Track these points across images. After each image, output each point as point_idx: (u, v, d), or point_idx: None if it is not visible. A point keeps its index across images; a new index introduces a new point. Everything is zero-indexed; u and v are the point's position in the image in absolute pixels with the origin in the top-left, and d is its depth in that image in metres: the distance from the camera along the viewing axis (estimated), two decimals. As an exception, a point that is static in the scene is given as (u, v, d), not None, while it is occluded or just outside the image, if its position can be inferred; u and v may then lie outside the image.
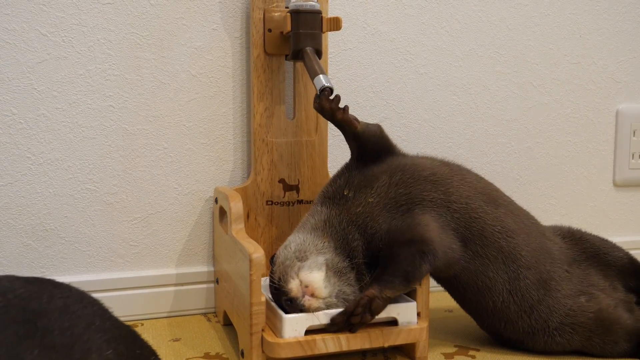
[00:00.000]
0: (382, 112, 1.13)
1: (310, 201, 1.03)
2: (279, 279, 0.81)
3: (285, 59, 1.01)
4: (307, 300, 0.78)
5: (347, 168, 0.91)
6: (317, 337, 0.79)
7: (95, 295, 0.79)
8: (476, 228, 0.85)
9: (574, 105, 1.26)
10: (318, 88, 0.88)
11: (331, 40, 1.08)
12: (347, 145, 0.92)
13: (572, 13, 1.24)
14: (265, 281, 0.84)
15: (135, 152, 1.01)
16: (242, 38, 1.04)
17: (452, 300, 0.93)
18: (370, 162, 0.89)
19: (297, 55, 0.94)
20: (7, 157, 0.95)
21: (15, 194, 0.96)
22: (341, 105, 0.88)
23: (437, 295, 1.09)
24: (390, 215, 0.83)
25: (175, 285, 1.05)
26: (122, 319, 1.00)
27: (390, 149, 0.91)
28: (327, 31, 0.96)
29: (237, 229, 0.88)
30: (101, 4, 0.97)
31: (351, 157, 0.92)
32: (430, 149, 1.17)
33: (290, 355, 0.78)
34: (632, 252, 1.31)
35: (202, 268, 1.06)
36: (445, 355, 0.90)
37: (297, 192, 1.03)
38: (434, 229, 0.82)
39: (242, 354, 0.84)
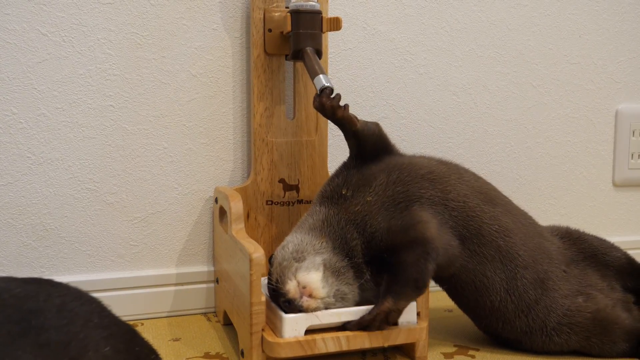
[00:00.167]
0: (381, 112, 1.13)
1: (310, 201, 1.03)
2: (277, 280, 0.81)
3: (286, 59, 1.01)
4: (305, 301, 0.78)
5: (345, 167, 0.91)
6: (317, 336, 0.79)
7: (95, 295, 0.79)
8: (473, 227, 0.85)
9: (573, 105, 1.27)
10: (318, 88, 0.88)
11: (331, 40, 1.08)
12: (347, 145, 0.92)
13: (572, 13, 1.24)
14: (265, 281, 0.84)
15: (135, 151, 1.01)
16: (242, 38, 1.04)
17: (452, 300, 0.93)
18: (368, 160, 0.89)
19: (297, 55, 0.94)
20: (7, 157, 0.95)
21: (16, 194, 0.96)
22: (341, 103, 0.88)
23: (437, 295, 1.09)
24: (388, 214, 0.84)
25: (176, 285, 1.05)
26: (122, 318, 1.01)
27: (388, 148, 0.91)
28: (327, 31, 0.97)
29: (237, 229, 0.88)
30: (101, 4, 0.97)
31: (349, 156, 0.92)
32: (430, 148, 1.17)
33: (290, 355, 0.79)
34: (632, 252, 1.31)
35: (202, 268, 1.06)
36: (445, 355, 0.90)
37: (297, 192, 1.04)
38: (433, 226, 0.82)
39: (242, 353, 0.84)
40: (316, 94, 0.88)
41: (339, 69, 1.10)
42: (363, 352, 0.89)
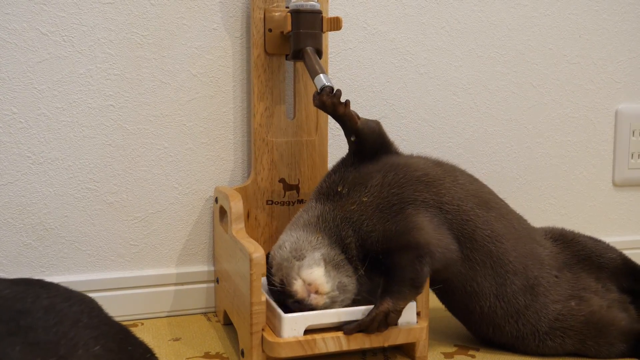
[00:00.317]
0: (381, 112, 1.13)
1: (310, 201, 1.03)
2: (281, 281, 0.81)
3: (286, 59, 1.01)
4: (314, 299, 0.79)
5: (343, 164, 0.91)
6: (317, 336, 0.79)
7: (95, 294, 0.79)
8: (467, 231, 0.85)
9: (573, 105, 1.27)
10: (318, 87, 0.88)
11: (331, 40, 1.08)
12: (347, 145, 0.92)
13: (572, 13, 1.24)
14: (265, 280, 0.84)
15: (135, 151, 1.01)
16: (242, 38, 1.04)
17: (442, 303, 0.93)
18: (366, 158, 0.89)
19: (297, 55, 0.94)
20: (7, 157, 0.95)
21: (15, 193, 0.96)
22: (342, 100, 0.88)
23: (436, 295, 1.09)
24: (383, 216, 0.84)
25: (176, 284, 1.05)
26: (122, 318, 1.01)
27: (387, 147, 0.91)
28: (327, 31, 0.97)
29: (237, 229, 0.88)
30: (102, 4, 0.97)
31: (348, 153, 0.92)
32: (430, 148, 1.17)
33: (290, 354, 0.79)
34: (632, 252, 1.31)
35: (202, 267, 1.06)
36: (445, 354, 0.90)
37: (298, 191, 1.04)
38: (428, 231, 0.82)
39: (242, 353, 0.84)
40: (316, 91, 0.88)
41: (339, 69, 1.10)
42: (363, 352, 0.90)
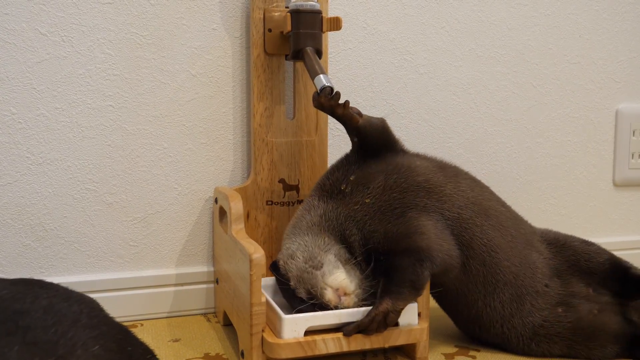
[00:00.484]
0: (382, 112, 1.13)
1: (310, 201, 1.03)
2: (309, 292, 0.81)
3: (286, 59, 1.01)
4: (345, 301, 0.80)
5: (346, 160, 0.90)
6: (318, 337, 0.79)
7: (94, 295, 0.79)
8: (465, 238, 0.86)
9: (573, 105, 1.26)
10: (318, 88, 0.87)
11: (331, 40, 1.07)
12: (347, 147, 0.92)
13: (572, 13, 1.24)
14: (265, 281, 0.84)
15: (135, 152, 1.01)
16: (242, 38, 1.04)
17: (432, 296, 0.93)
18: (370, 156, 0.89)
19: (297, 55, 0.94)
20: (7, 157, 0.95)
21: (15, 194, 0.96)
22: (342, 100, 0.87)
23: (437, 296, 1.09)
24: (385, 218, 0.84)
25: (175, 285, 1.04)
26: (121, 319, 1.01)
27: (391, 145, 0.91)
28: (327, 31, 0.96)
29: (237, 229, 0.88)
30: (101, 4, 0.97)
31: (352, 149, 0.91)
32: (430, 148, 1.16)
33: (290, 355, 0.78)
34: (632, 252, 1.31)
35: (202, 268, 1.06)
36: (446, 355, 0.90)
37: (297, 192, 1.03)
38: (430, 235, 0.83)
39: (242, 354, 0.84)
40: (315, 92, 0.88)
41: (339, 69, 1.10)
42: (363, 353, 0.89)
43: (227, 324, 0.99)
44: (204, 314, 1.06)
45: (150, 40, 1.00)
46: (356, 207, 0.85)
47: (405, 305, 0.82)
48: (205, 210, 1.06)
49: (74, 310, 0.62)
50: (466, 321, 0.91)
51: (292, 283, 0.82)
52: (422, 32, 1.14)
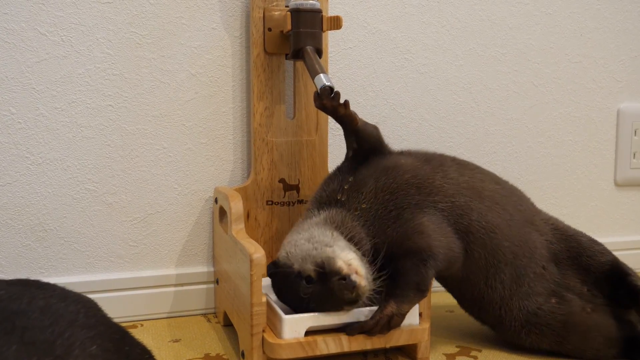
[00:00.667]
0: (382, 112, 1.13)
1: (310, 201, 1.03)
2: (318, 264, 0.77)
3: (286, 58, 1.01)
4: (356, 278, 0.76)
5: (339, 171, 0.91)
6: (318, 337, 0.79)
7: (94, 295, 0.79)
8: (463, 225, 0.85)
9: (575, 105, 1.26)
10: (319, 87, 0.87)
11: (331, 39, 1.07)
12: (345, 144, 0.91)
13: (573, 12, 1.23)
14: (266, 281, 0.83)
15: (134, 151, 1.01)
16: (241, 37, 1.04)
17: (454, 300, 0.93)
18: (361, 162, 0.89)
19: (297, 54, 0.94)
20: (6, 157, 0.95)
21: (14, 194, 0.96)
22: (341, 100, 0.87)
23: (438, 296, 1.08)
24: (383, 223, 0.84)
25: (175, 285, 1.04)
26: (121, 319, 1.00)
27: (380, 150, 0.91)
28: (327, 30, 0.96)
29: (237, 229, 0.88)
30: (100, 3, 0.96)
31: (345, 157, 0.92)
32: (431, 148, 1.15)
33: (291, 356, 0.78)
34: (633, 252, 1.31)
35: (202, 268, 1.06)
36: (447, 355, 0.90)
37: (298, 191, 1.03)
38: (429, 233, 0.82)
39: (243, 354, 0.84)
40: (316, 92, 0.88)
41: (339, 68, 1.10)
42: (364, 353, 0.89)
43: (228, 324, 0.99)
44: (204, 315, 1.05)
45: (149, 39, 0.99)
46: (357, 212, 0.85)
47: (410, 308, 0.82)
48: (205, 210, 1.05)
49: (71, 310, 0.62)
50: (469, 301, 0.91)
51: (295, 266, 0.79)
52: (423, 31, 1.14)
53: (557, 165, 1.26)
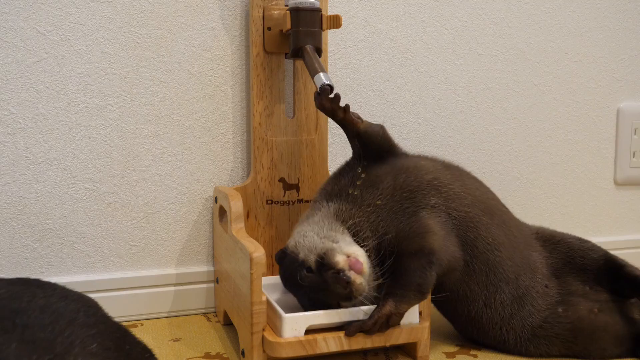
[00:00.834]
0: (382, 111, 1.13)
1: (310, 200, 1.03)
2: (320, 256, 0.78)
3: (285, 57, 1.01)
4: (353, 275, 0.77)
5: (348, 167, 0.90)
6: (319, 336, 0.79)
7: (94, 295, 0.79)
8: (471, 237, 0.85)
9: (574, 104, 1.26)
10: (318, 86, 0.87)
11: (331, 38, 1.07)
12: (347, 146, 0.91)
13: (573, 11, 1.23)
14: (266, 280, 0.83)
15: (134, 151, 1.01)
16: (241, 36, 1.04)
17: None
18: (372, 162, 0.89)
19: (296, 53, 0.94)
20: (6, 157, 0.95)
21: (14, 194, 0.96)
22: (342, 104, 0.87)
23: (438, 295, 1.08)
24: (397, 218, 0.83)
25: (175, 285, 1.04)
26: (122, 319, 1.00)
27: (393, 150, 0.91)
28: (327, 29, 0.96)
29: (237, 228, 0.88)
30: (99, 3, 0.96)
31: (352, 156, 0.91)
32: (431, 147, 1.16)
33: (291, 354, 0.78)
34: (633, 251, 1.31)
35: (202, 267, 1.06)
36: (447, 354, 0.90)
37: (297, 191, 1.03)
38: (440, 238, 0.83)
39: (243, 353, 0.84)
40: (316, 92, 0.88)
41: (339, 67, 1.10)
42: (364, 352, 0.89)
43: (228, 323, 0.98)
44: (204, 314, 1.05)
45: (149, 39, 0.99)
46: (369, 209, 0.85)
47: (409, 308, 0.82)
48: (205, 209, 1.05)
49: (71, 309, 0.62)
50: (465, 322, 0.90)
51: (301, 255, 0.80)
52: (423, 31, 1.14)
53: (556, 164, 1.26)
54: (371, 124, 0.89)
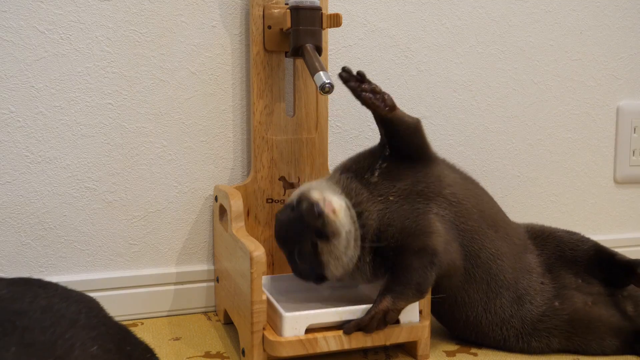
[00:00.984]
0: (382, 109, 1.13)
1: (310, 199, 1.03)
2: (298, 197, 0.82)
3: (285, 56, 1.01)
4: (327, 210, 0.78)
5: (371, 153, 0.90)
6: (319, 335, 0.79)
7: (94, 294, 0.79)
8: (474, 249, 0.86)
9: (574, 102, 1.26)
10: (318, 85, 0.87)
11: (331, 37, 1.07)
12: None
13: (573, 9, 1.23)
14: (266, 279, 0.83)
15: (134, 150, 1.00)
16: (241, 35, 1.04)
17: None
18: (396, 154, 0.88)
19: (297, 52, 0.93)
20: (5, 156, 0.95)
21: (14, 193, 0.96)
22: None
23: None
24: (404, 215, 0.84)
25: (176, 283, 1.04)
26: (122, 318, 1.00)
27: (422, 149, 0.88)
28: (327, 28, 0.96)
29: (237, 227, 0.88)
30: (99, 1, 0.96)
31: (379, 143, 0.90)
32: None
33: (291, 353, 0.78)
34: (633, 250, 1.31)
35: (202, 266, 1.06)
36: (447, 353, 0.90)
37: (298, 189, 1.03)
38: (443, 240, 0.83)
39: (243, 352, 0.84)
40: (342, 71, 0.86)
41: (339, 66, 1.08)
42: (365, 351, 0.89)
43: (228, 322, 0.99)
44: (205, 313, 1.05)
45: (149, 37, 0.99)
46: (380, 199, 0.85)
47: (406, 305, 0.82)
48: (205, 208, 1.05)
49: (72, 311, 0.62)
50: (462, 327, 0.91)
51: (288, 200, 0.84)
52: (423, 29, 1.14)
53: (556, 162, 1.26)
54: (404, 115, 0.86)
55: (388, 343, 0.83)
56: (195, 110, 1.03)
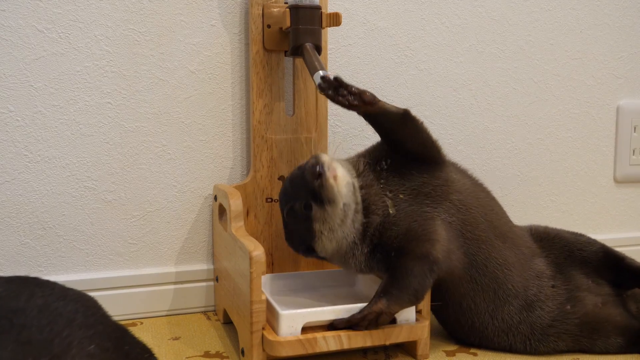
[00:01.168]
0: (382, 109, 1.12)
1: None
2: (311, 157, 0.82)
3: (285, 55, 1.00)
4: (328, 173, 0.78)
5: (382, 146, 0.89)
6: (318, 335, 0.79)
7: (94, 293, 0.79)
8: (481, 257, 0.86)
9: (574, 101, 1.26)
10: (318, 84, 0.87)
11: (331, 36, 1.07)
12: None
13: (573, 8, 1.23)
14: (265, 279, 0.83)
15: (133, 149, 1.00)
16: (241, 34, 1.03)
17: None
18: (400, 152, 0.86)
19: (296, 51, 0.93)
20: (4, 155, 0.95)
21: (13, 192, 0.96)
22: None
23: (437, 293, 1.08)
24: (412, 216, 0.83)
25: (175, 283, 1.04)
26: (121, 317, 1.00)
27: (426, 147, 0.86)
28: (326, 27, 0.96)
29: (237, 227, 0.88)
30: (98, 0, 0.96)
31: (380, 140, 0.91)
32: (431, 145, 1.16)
33: (290, 353, 0.78)
34: (633, 249, 1.31)
35: (202, 266, 1.06)
36: (447, 352, 0.90)
37: (297, 189, 1.03)
38: (445, 249, 0.83)
39: (243, 352, 0.84)
40: (318, 85, 0.85)
41: (339, 65, 1.09)
42: (364, 351, 0.89)
43: (227, 322, 0.98)
44: (204, 312, 1.05)
45: (148, 36, 0.99)
46: (390, 194, 0.84)
47: (400, 310, 0.82)
48: (205, 207, 1.05)
49: (69, 309, 0.61)
50: (467, 332, 0.90)
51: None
52: (422, 28, 1.13)
53: (556, 161, 1.26)
54: (388, 106, 0.82)
55: (388, 343, 0.82)
56: (194, 109, 1.03)
